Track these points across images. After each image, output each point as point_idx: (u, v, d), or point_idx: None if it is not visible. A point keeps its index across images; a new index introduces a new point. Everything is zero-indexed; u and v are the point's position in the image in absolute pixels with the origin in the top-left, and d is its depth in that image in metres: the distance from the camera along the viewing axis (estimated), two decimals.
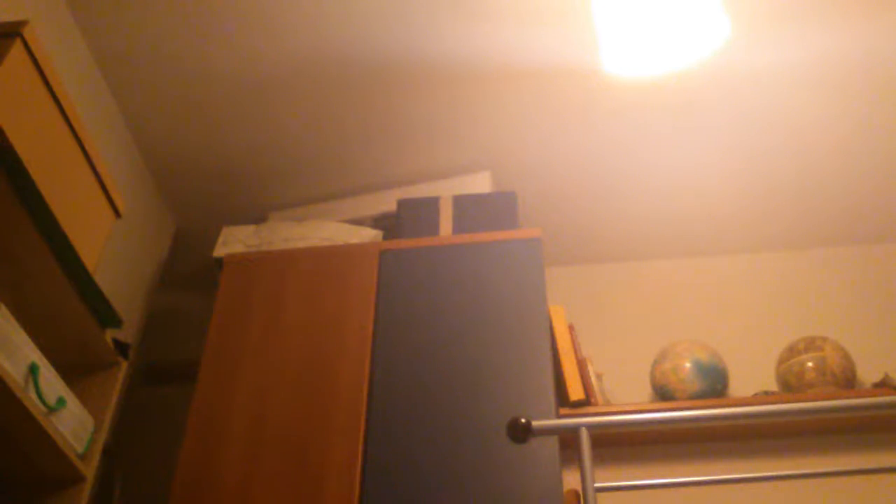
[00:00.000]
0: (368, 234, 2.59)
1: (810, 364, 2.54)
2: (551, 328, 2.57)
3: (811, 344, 2.58)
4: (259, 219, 2.94)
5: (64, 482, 1.75)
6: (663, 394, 2.59)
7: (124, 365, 1.95)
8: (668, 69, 2.46)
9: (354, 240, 2.57)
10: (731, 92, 2.54)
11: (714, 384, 2.55)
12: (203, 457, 2.03)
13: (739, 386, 2.73)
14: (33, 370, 1.60)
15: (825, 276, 2.96)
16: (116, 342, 1.92)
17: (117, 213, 1.91)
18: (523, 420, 1.49)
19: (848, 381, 2.53)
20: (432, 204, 2.58)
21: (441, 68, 2.49)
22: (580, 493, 2.29)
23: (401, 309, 2.23)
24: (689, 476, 2.27)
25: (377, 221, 2.73)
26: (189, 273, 3.13)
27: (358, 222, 2.73)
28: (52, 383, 1.66)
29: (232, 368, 2.18)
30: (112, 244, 2.55)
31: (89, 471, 1.77)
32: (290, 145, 2.72)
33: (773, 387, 2.71)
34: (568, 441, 2.48)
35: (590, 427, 1.50)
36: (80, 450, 1.75)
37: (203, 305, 3.12)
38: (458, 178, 2.76)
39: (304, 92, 2.56)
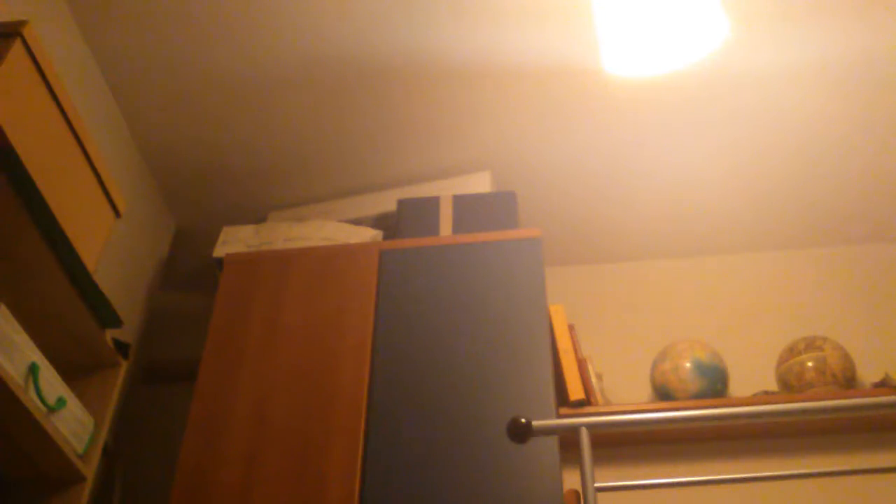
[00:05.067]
0: (368, 234, 2.59)
1: (810, 364, 2.54)
2: (551, 328, 2.57)
3: (811, 344, 2.58)
4: (259, 219, 2.94)
5: (64, 482, 1.76)
6: (663, 394, 2.59)
7: (124, 365, 1.95)
8: (668, 69, 2.46)
9: (354, 240, 2.57)
10: (731, 91, 2.54)
11: (714, 384, 2.55)
12: (203, 457, 2.03)
13: (739, 386, 2.73)
14: (33, 370, 1.60)
15: (825, 276, 2.96)
16: (116, 342, 1.92)
17: (117, 213, 1.91)
18: (523, 420, 1.49)
19: (848, 381, 2.53)
20: (432, 204, 2.58)
21: (441, 68, 2.49)
22: (580, 493, 2.29)
23: (401, 309, 2.23)
24: (689, 476, 2.27)
25: (377, 221, 2.73)
26: (189, 273, 3.13)
27: (358, 222, 2.73)
28: (52, 383, 1.66)
29: (232, 368, 2.18)
30: (112, 244, 2.55)
31: (89, 471, 1.77)
32: (290, 145, 2.72)
33: (773, 387, 2.71)
34: (568, 441, 2.48)
35: (590, 427, 1.50)
36: (80, 450, 1.75)
37: (203, 305, 3.12)
38: (458, 178, 2.76)
39: (304, 92, 2.56)
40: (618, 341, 2.89)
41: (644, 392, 2.76)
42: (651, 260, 3.10)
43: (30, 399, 1.56)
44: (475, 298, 2.22)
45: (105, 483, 2.51)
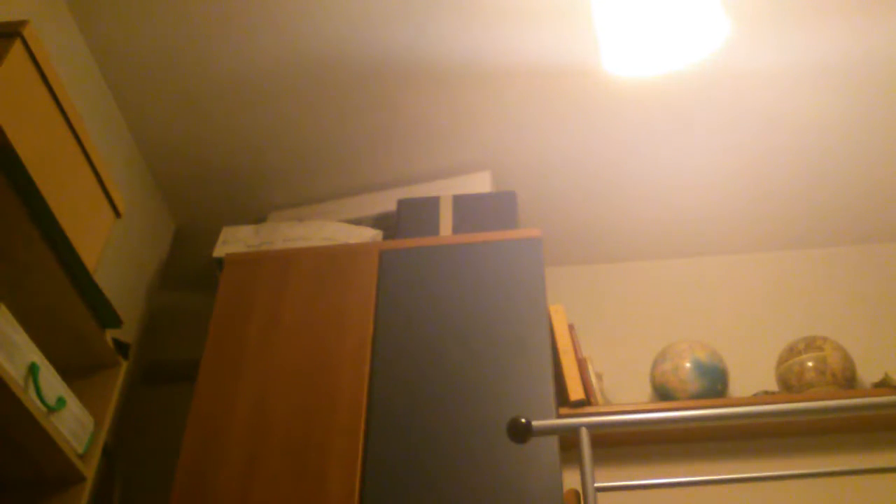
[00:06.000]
0: (368, 234, 2.59)
1: (810, 364, 2.54)
2: (551, 328, 2.57)
3: (811, 344, 2.58)
4: (259, 219, 2.94)
5: (64, 482, 1.76)
6: (663, 394, 2.59)
7: (124, 365, 1.95)
8: (668, 69, 2.46)
9: (354, 240, 2.57)
10: (731, 92, 2.54)
11: (714, 384, 2.55)
12: (203, 457, 2.03)
13: (739, 386, 2.73)
14: (33, 370, 1.60)
15: (825, 276, 2.96)
16: (116, 342, 1.92)
17: (117, 213, 1.91)
18: (523, 420, 1.49)
19: (848, 381, 2.53)
20: (432, 204, 2.58)
21: (441, 68, 2.49)
22: (580, 493, 2.29)
23: (401, 309, 2.23)
24: (689, 476, 2.27)
25: (377, 221, 2.73)
26: (189, 273, 3.13)
27: (358, 222, 2.73)
28: (52, 383, 1.66)
29: (232, 368, 2.18)
30: (112, 244, 2.55)
31: (89, 471, 1.77)
32: (290, 145, 2.72)
33: (773, 387, 2.71)
34: (568, 441, 2.48)
35: (590, 427, 1.50)
36: (80, 450, 1.75)
37: (203, 305, 3.12)
38: (458, 178, 2.76)
39: (304, 92, 2.56)
40: (618, 341, 2.89)
41: (644, 392, 2.76)
42: (651, 260, 3.10)
43: (30, 399, 1.56)
44: (475, 298, 2.22)
45: (105, 483, 2.51)
